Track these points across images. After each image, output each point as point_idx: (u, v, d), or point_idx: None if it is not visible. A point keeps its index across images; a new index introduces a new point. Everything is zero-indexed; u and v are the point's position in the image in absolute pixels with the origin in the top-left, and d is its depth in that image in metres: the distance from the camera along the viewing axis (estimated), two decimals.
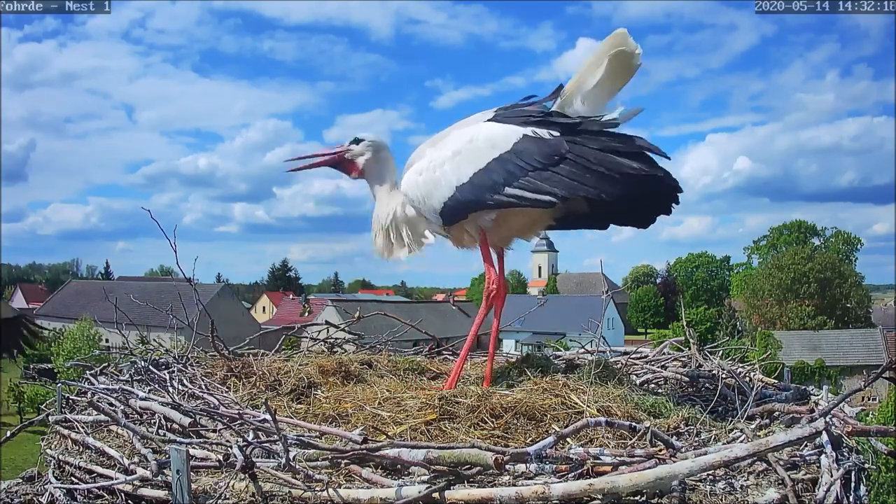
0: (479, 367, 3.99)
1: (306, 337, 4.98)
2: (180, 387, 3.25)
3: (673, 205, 3.00)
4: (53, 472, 2.71)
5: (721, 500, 2.06)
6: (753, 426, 2.74)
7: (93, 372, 3.61)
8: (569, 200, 2.91)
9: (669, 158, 2.80)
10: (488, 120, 3.12)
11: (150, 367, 3.61)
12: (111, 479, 2.34)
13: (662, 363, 3.99)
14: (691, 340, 3.99)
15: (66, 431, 2.83)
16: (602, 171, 2.76)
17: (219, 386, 3.37)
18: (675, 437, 2.53)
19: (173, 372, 3.52)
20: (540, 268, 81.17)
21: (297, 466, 2.11)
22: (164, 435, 2.53)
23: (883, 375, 2.73)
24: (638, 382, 3.60)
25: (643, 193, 2.88)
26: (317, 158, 3.53)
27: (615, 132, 2.92)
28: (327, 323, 5.11)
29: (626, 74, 3.01)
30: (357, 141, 3.47)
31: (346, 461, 2.18)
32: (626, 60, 2.95)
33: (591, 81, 2.99)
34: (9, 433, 3.52)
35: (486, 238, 3.24)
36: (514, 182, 2.87)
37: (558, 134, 2.89)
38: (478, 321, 3.40)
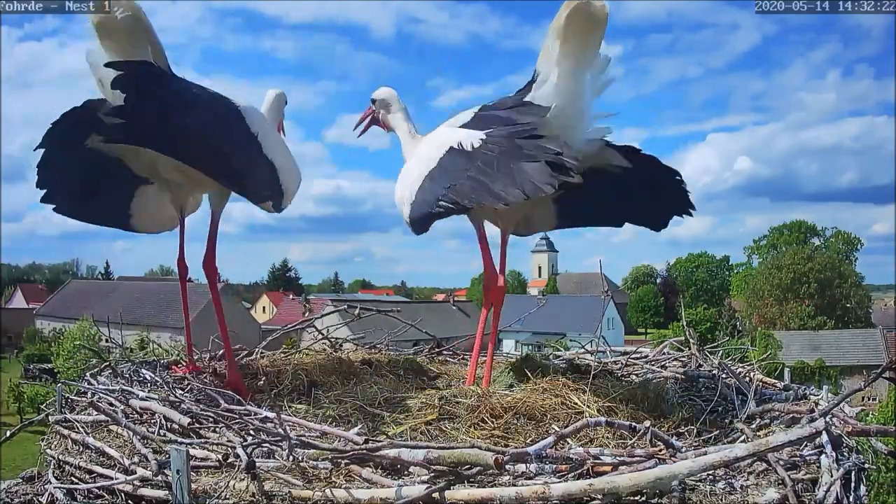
0: (478, 368, 3.99)
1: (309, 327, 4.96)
2: (179, 389, 3.25)
3: (687, 210, 3.20)
4: (53, 472, 2.72)
5: (721, 500, 2.06)
6: (753, 426, 2.74)
7: (93, 372, 3.61)
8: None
9: (574, 179, 2.59)
10: (474, 114, 3.06)
11: (145, 369, 3.61)
12: (111, 479, 2.34)
13: (662, 363, 4.00)
14: (691, 340, 3.99)
15: (66, 431, 2.83)
16: (499, 191, 2.63)
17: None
18: (675, 437, 2.53)
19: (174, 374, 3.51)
20: (540, 268, 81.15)
21: (298, 466, 2.12)
22: (164, 435, 2.53)
23: (883, 375, 2.72)
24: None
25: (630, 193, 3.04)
26: (363, 123, 3.86)
27: (538, 143, 2.70)
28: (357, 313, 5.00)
29: (593, 27, 2.78)
30: (373, 101, 3.76)
31: (346, 461, 2.18)
32: (587, 14, 2.73)
33: (556, 48, 2.83)
34: (9, 433, 3.52)
35: (484, 235, 3.31)
36: (439, 193, 2.83)
37: (482, 139, 2.80)
38: (482, 320, 3.49)
